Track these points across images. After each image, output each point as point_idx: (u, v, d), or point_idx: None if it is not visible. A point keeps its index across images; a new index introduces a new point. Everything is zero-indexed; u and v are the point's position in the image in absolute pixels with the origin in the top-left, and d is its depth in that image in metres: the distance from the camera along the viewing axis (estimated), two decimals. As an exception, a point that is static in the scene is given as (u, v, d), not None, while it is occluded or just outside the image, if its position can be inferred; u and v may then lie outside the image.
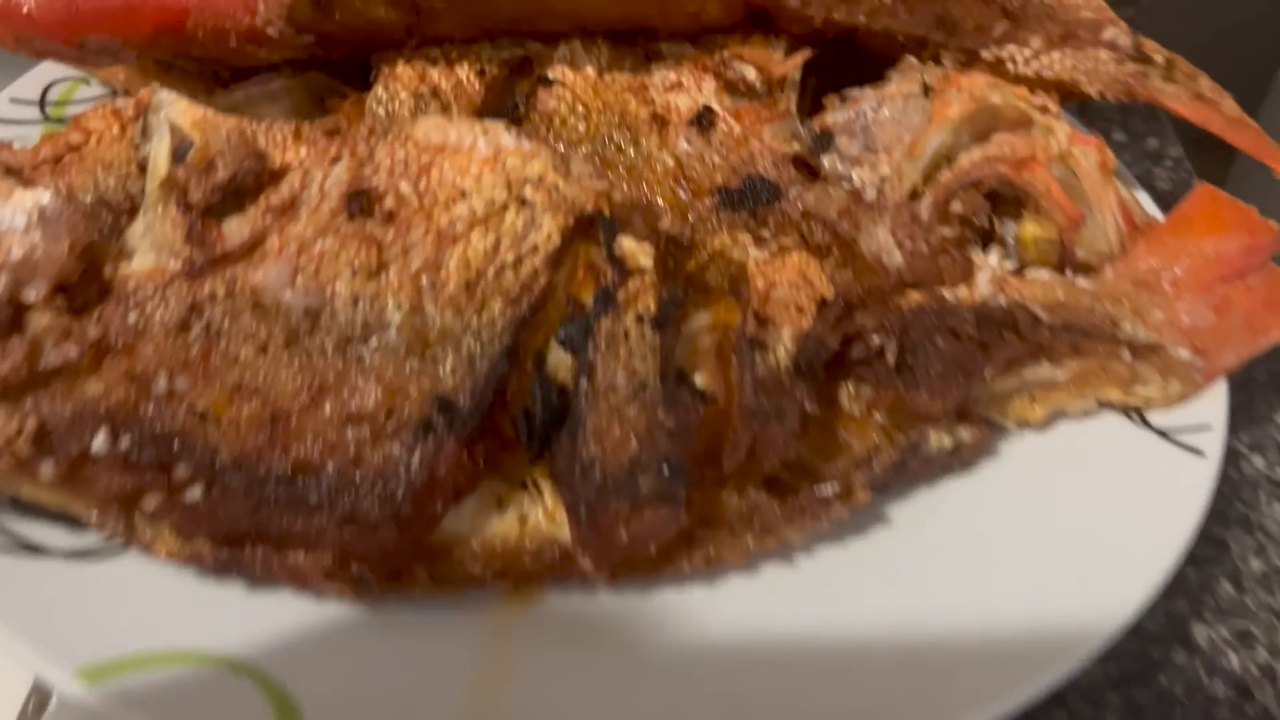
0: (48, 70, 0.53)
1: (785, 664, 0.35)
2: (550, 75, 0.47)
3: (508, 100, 0.47)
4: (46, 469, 0.33)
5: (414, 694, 0.34)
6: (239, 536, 0.35)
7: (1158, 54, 0.50)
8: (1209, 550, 0.45)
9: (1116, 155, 0.48)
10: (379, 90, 0.46)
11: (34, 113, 0.52)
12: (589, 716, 0.33)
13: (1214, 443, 0.42)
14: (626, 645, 0.36)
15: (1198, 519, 0.39)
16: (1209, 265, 0.44)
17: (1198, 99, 0.48)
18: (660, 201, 0.45)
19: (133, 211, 0.42)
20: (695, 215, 0.45)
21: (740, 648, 0.36)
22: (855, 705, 0.34)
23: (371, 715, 0.33)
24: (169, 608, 0.35)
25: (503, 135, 0.38)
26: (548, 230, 0.38)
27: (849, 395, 0.41)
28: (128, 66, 0.49)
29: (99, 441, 0.33)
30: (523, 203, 0.38)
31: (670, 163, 0.46)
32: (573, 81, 0.47)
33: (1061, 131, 0.47)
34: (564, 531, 0.38)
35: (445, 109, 0.46)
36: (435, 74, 0.46)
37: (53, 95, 0.53)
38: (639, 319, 0.38)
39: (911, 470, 0.41)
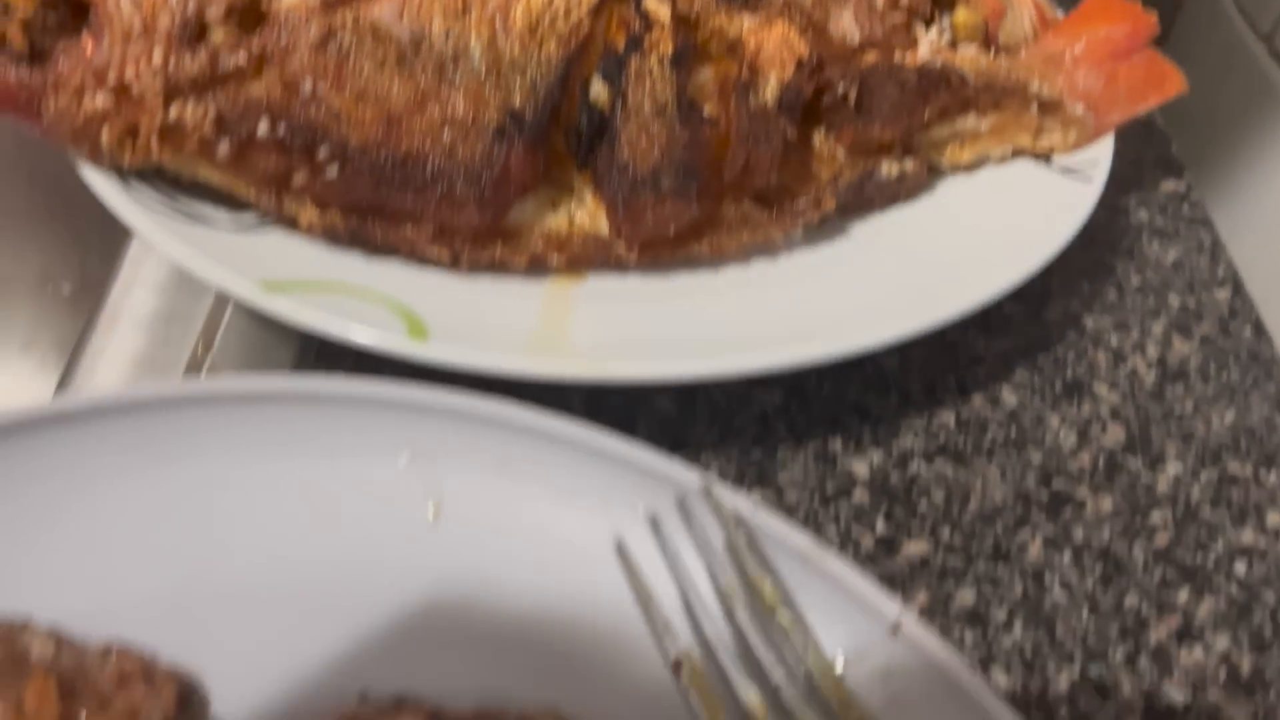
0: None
1: (771, 300, 0.48)
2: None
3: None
4: (223, 149, 0.44)
5: (499, 321, 0.45)
6: (364, 210, 0.46)
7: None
8: (1100, 271, 0.57)
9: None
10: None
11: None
12: (635, 332, 0.45)
13: (1100, 173, 0.54)
14: (657, 293, 0.48)
15: (1087, 212, 0.51)
16: (1101, 46, 0.56)
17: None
18: (670, -9, 0.56)
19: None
20: (700, 1, 0.56)
21: (738, 294, 0.48)
22: (820, 321, 0.46)
23: (468, 320, 0.44)
24: (317, 258, 0.46)
25: (558, -85, 0.50)
26: (590, -10, 0.49)
27: (820, 138, 0.53)
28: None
29: (262, 127, 0.44)
30: (571, -32, 0.49)
31: (679, -40, 0.57)
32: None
33: (991, -58, 0.58)
34: (603, 228, 0.50)
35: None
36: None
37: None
38: (660, 60, 0.49)
39: (868, 194, 0.53)
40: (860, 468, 0.47)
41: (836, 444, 0.48)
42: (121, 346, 0.48)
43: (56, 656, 0.35)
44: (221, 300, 0.49)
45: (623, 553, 0.37)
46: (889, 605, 0.36)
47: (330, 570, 0.38)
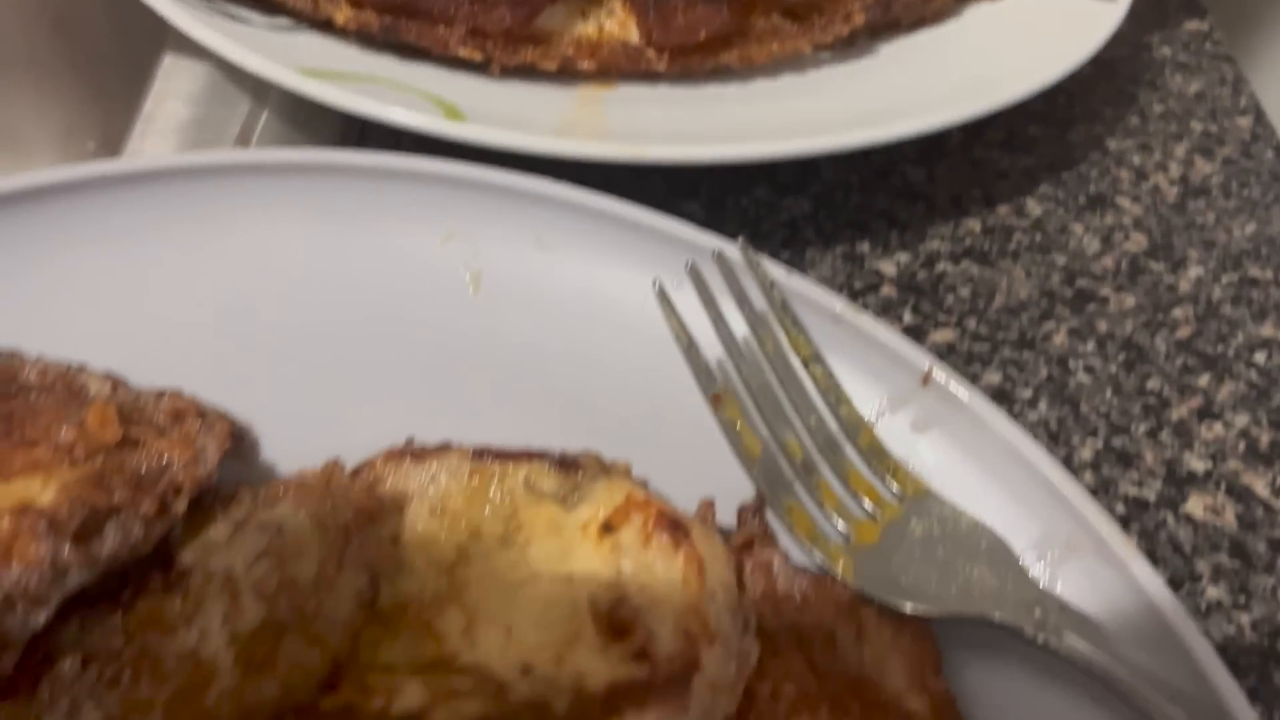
0: None
1: (799, 105, 0.48)
2: None
3: None
4: (259, -60, 0.45)
5: (533, 112, 0.46)
6: (397, 8, 0.47)
7: None
8: (1123, 99, 0.58)
9: None
10: None
11: None
12: (667, 124, 0.46)
13: (1125, -3, 0.54)
14: (686, 99, 0.49)
15: (1115, 25, 0.51)
16: None
17: None
18: None
19: None
20: None
21: (767, 100, 0.49)
22: (847, 118, 0.46)
23: (502, 114, 0.45)
24: (352, 55, 0.47)
25: None
26: None
27: (848, -44, 0.54)
28: None
29: (297, -80, 0.45)
30: None
31: None
32: None
33: None
34: (633, 36, 0.50)
35: None
36: None
37: None
38: None
39: (894, 13, 0.54)
40: (888, 267, 0.48)
41: (864, 246, 0.49)
42: (157, 152, 0.49)
43: (113, 394, 0.36)
44: (256, 108, 0.49)
45: (663, 298, 0.38)
46: (919, 357, 0.37)
47: (375, 333, 0.39)
